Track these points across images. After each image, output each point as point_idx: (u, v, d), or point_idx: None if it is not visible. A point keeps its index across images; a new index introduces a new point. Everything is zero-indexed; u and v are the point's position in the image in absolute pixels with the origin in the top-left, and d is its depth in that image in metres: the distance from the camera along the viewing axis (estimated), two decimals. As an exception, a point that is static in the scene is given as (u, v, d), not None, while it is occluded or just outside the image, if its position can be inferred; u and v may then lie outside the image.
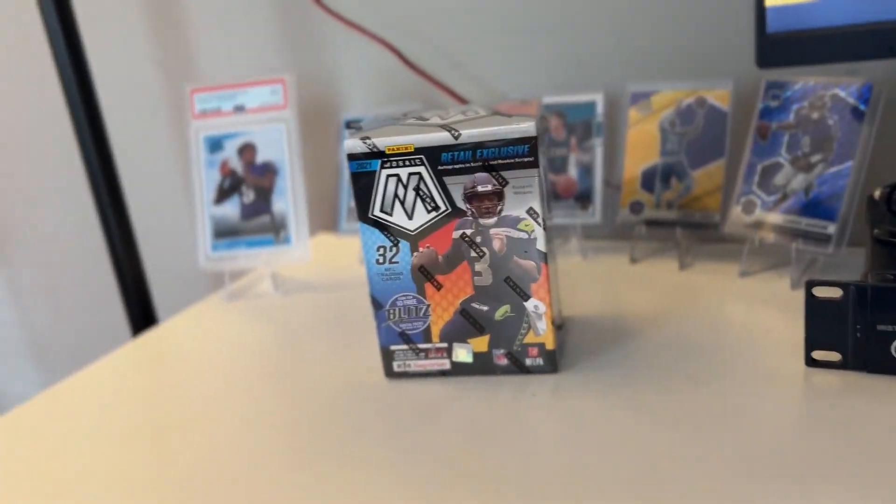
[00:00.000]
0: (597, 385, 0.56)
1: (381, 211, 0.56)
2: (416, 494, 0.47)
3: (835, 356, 0.54)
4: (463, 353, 0.59)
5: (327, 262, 0.94)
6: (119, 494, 0.51)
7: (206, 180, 0.89)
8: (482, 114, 0.58)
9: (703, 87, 0.79)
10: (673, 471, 0.46)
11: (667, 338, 0.62)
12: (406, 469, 0.49)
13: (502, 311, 0.57)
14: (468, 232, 0.56)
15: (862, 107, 0.68)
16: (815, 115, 0.70)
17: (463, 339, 0.59)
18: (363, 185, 0.56)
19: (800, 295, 0.68)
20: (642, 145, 0.81)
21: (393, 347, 0.60)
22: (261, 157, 0.89)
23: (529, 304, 0.57)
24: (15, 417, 0.63)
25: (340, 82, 1.03)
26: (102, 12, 1.10)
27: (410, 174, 0.55)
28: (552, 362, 0.58)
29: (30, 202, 1.27)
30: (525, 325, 0.57)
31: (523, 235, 0.55)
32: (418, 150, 0.54)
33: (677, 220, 0.79)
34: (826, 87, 0.70)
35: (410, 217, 0.56)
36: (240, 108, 0.89)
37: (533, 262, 0.56)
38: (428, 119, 0.58)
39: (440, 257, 0.57)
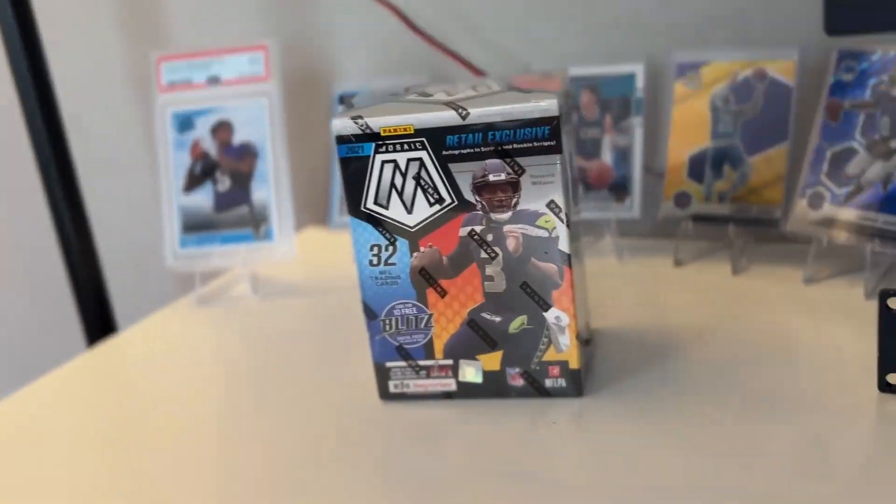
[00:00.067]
0: (630, 412, 0.57)
1: (376, 203, 0.57)
2: (413, 538, 0.48)
3: (914, 380, 0.54)
4: (471, 373, 0.60)
5: (316, 261, 0.94)
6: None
7: (174, 164, 0.90)
8: (496, 89, 0.58)
9: (762, 58, 0.78)
10: (716, 514, 0.46)
11: (716, 357, 0.62)
12: (401, 508, 0.50)
13: (518, 323, 0.58)
14: (478, 229, 0.56)
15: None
16: (896, 92, 0.70)
17: (471, 356, 0.59)
18: (354, 173, 0.56)
19: (875, 306, 0.67)
20: (690, 126, 0.81)
21: (389, 364, 0.60)
22: (238, 138, 0.90)
23: (550, 315, 0.57)
24: (-52, 441, 0.64)
25: (333, 50, 1.03)
26: (54, -35, 1.11)
27: (410, 160, 0.55)
28: (576, 384, 0.58)
29: (-31, 188, 1.29)
30: (545, 340, 0.58)
31: (543, 233, 0.55)
32: (419, 132, 0.55)
33: (730, 215, 0.79)
34: (910, 58, 0.70)
35: (410, 211, 0.57)
36: (214, 80, 0.90)
37: (554, 265, 0.56)
38: (432, 95, 0.58)
39: (444, 259, 0.57)
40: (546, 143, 0.53)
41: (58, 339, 1.25)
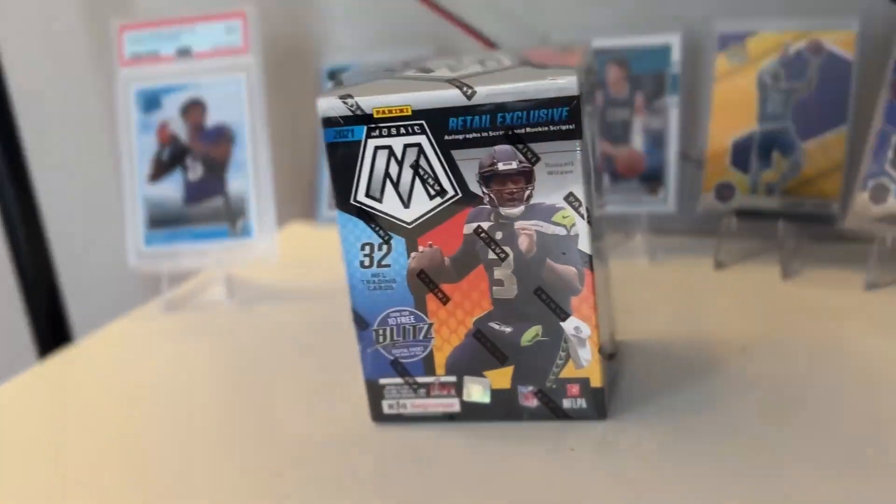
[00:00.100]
0: (661, 439, 0.56)
1: (367, 196, 0.57)
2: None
3: None
4: (477, 391, 0.59)
5: (302, 261, 0.94)
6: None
7: (139, 150, 0.90)
8: (507, 64, 0.58)
9: (818, 28, 0.78)
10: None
11: (762, 375, 0.62)
12: (394, 549, 0.50)
13: (531, 335, 0.57)
14: (485, 226, 0.56)
15: None
16: (973, 68, 0.70)
17: (477, 372, 0.59)
18: (342, 160, 0.56)
19: (948, 317, 0.67)
20: (734, 106, 0.81)
21: (383, 381, 0.60)
22: (212, 119, 0.90)
23: (568, 325, 0.57)
24: None
25: (321, 17, 1.03)
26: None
27: (407, 146, 0.55)
28: (599, 405, 0.58)
29: None
30: (562, 354, 0.57)
31: (560, 231, 0.55)
32: (418, 114, 0.54)
33: (780, 210, 0.79)
34: None
35: (407, 205, 0.56)
36: (184, 52, 0.90)
37: (573, 268, 0.56)
38: (433, 71, 0.58)
39: (447, 260, 0.57)
40: (564, 127, 0.53)
41: (4, 350, 1.25)
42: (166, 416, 0.67)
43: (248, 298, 0.88)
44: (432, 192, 0.56)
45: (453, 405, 0.60)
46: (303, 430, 0.62)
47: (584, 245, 0.55)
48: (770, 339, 0.67)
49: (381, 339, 0.59)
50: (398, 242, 0.57)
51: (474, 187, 0.55)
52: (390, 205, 0.57)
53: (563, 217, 0.55)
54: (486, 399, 0.59)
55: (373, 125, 0.55)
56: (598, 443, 0.56)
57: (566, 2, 0.91)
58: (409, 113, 0.54)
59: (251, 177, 0.88)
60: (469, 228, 0.56)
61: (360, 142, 0.56)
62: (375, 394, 0.61)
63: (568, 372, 0.58)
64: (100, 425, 0.67)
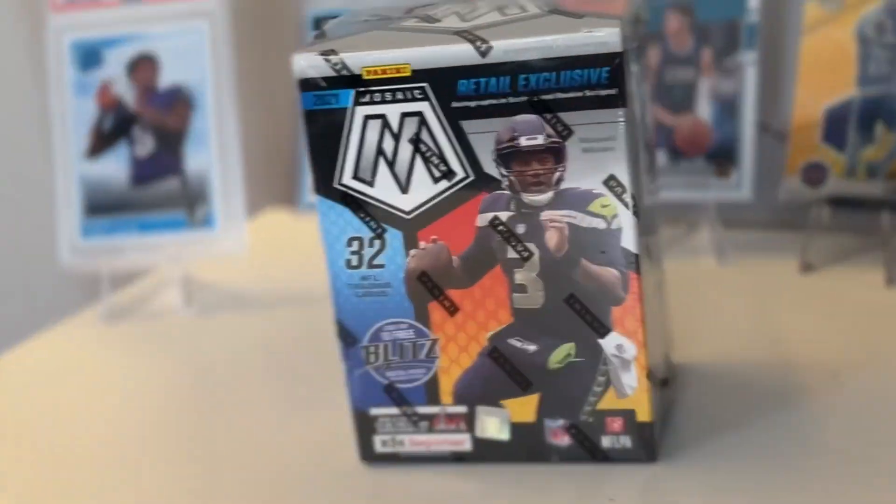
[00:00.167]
0: (721, 487, 0.56)
1: (356, 178, 0.57)
2: None
3: None
4: (493, 425, 0.60)
5: (278, 258, 0.95)
6: None
7: (74, 117, 0.91)
8: (533, 12, 0.58)
9: (935, -35, 0.78)
10: None
11: (857, 407, 0.62)
12: None
13: (561, 355, 0.58)
14: (503, 216, 0.56)
15: None
16: None
17: (494, 401, 0.59)
18: (324, 133, 0.57)
19: None
20: (826, 66, 0.80)
21: (374, 412, 0.61)
22: (166, 79, 0.90)
23: (609, 343, 0.57)
24: None
25: (306, -50, 1.03)
26: None
27: (405, 115, 0.56)
28: (647, 444, 0.58)
29: None
30: (601, 380, 0.58)
31: (599, 223, 0.55)
32: (419, 75, 0.55)
33: (885, 198, 0.78)
34: None
35: (405, 189, 0.57)
36: None
37: (615, 271, 0.56)
38: (439, 20, 0.58)
39: (455, 259, 0.58)
40: (603, 92, 0.53)
41: None
42: (106, 449, 0.68)
43: (209, 305, 0.89)
44: (437, 174, 0.56)
45: (463, 442, 0.60)
46: (273, 470, 0.63)
47: (629, 241, 0.55)
48: (869, 363, 0.67)
49: (372, 358, 0.60)
50: (394, 237, 0.57)
51: (490, 168, 0.56)
52: (384, 189, 0.57)
53: (603, 206, 0.55)
54: (505, 435, 0.60)
55: (362, 89, 0.55)
56: (644, 491, 0.57)
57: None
58: (408, 73, 0.55)
59: (214, 152, 0.89)
60: (483, 220, 0.56)
61: (346, 109, 0.56)
62: (365, 427, 0.61)
63: (608, 402, 0.58)
64: (23, 458, 0.68)
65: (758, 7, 0.83)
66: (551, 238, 0.56)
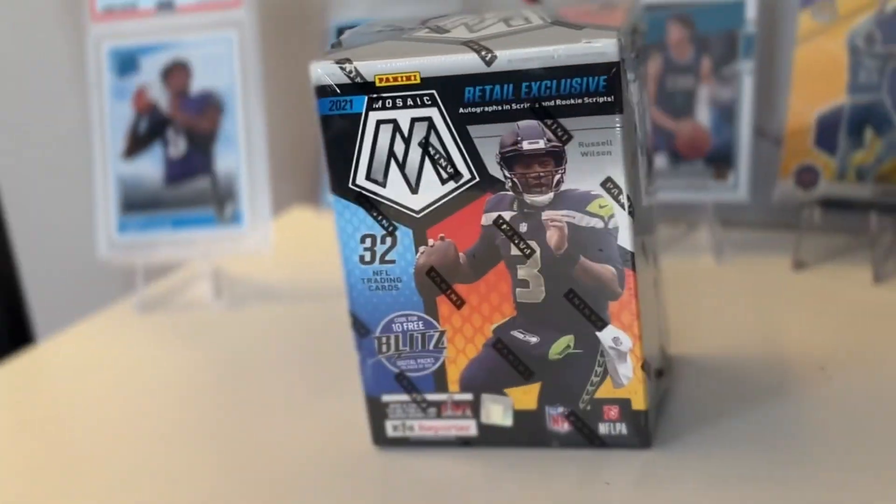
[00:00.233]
0: (713, 473, 0.57)
1: (369, 179, 0.58)
2: None
3: None
4: (497, 412, 0.61)
5: (301, 254, 0.96)
6: None
7: (112, 120, 0.92)
8: (536, 23, 0.59)
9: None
10: None
11: (845, 399, 0.63)
12: None
13: (561, 346, 0.59)
14: (507, 216, 0.57)
15: None
16: None
17: (498, 389, 0.60)
18: (339, 137, 0.58)
19: None
20: (819, 74, 0.81)
21: (386, 398, 0.62)
22: (198, 85, 0.91)
23: (606, 336, 0.58)
24: None
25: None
26: None
27: (415, 120, 0.57)
28: (641, 431, 0.59)
29: None
30: (598, 370, 0.59)
31: (597, 223, 0.56)
32: (428, 82, 0.56)
33: (874, 199, 0.78)
34: None
35: (415, 190, 0.58)
36: (166, 6, 0.92)
37: (612, 267, 0.57)
38: (448, 31, 0.59)
39: (462, 256, 0.59)
40: (601, 100, 0.54)
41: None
42: (139, 433, 0.69)
43: (238, 298, 0.90)
44: (445, 176, 0.57)
45: (469, 428, 0.61)
46: (294, 453, 0.64)
47: (625, 240, 0.56)
48: (857, 357, 0.67)
49: (384, 348, 0.61)
50: (404, 234, 0.59)
51: (494, 170, 0.57)
52: (395, 190, 0.58)
53: (600, 206, 0.56)
54: (508, 422, 0.61)
55: (375, 95, 0.56)
56: (639, 476, 0.58)
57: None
58: (418, 81, 0.56)
59: (243, 153, 0.90)
60: (488, 219, 0.58)
61: (359, 115, 0.57)
62: (377, 413, 0.62)
63: (605, 391, 0.59)
64: (62, 441, 0.70)
65: (755, 19, 0.84)
66: (552, 236, 0.57)
